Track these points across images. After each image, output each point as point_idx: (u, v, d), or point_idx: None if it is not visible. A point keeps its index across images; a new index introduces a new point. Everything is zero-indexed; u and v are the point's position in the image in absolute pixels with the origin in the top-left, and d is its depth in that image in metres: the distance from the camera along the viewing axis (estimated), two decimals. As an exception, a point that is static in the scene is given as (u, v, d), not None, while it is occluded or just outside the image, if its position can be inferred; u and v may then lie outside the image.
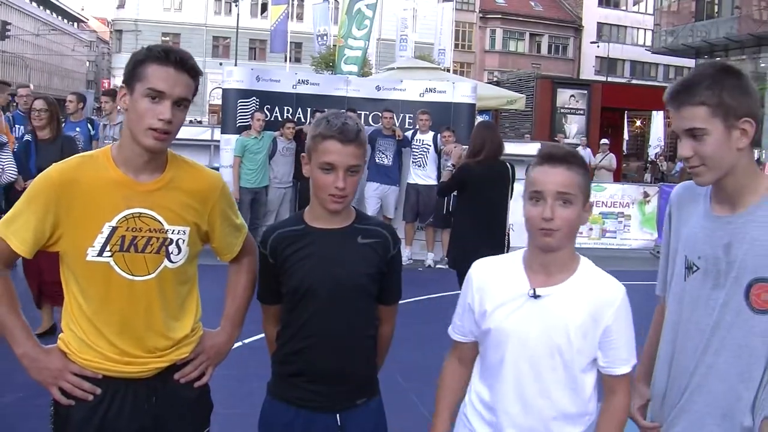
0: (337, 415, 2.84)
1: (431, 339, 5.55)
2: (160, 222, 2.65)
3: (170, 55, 2.54)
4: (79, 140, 9.89)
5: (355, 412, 2.87)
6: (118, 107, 8.29)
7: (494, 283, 2.66)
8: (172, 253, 2.67)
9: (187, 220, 2.71)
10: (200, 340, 2.87)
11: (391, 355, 3.14)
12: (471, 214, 7.02)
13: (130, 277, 2.61)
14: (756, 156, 14.74)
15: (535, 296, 2.55)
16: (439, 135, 12.16)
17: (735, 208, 2.44)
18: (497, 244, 6.90)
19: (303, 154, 2.85)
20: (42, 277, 6.86)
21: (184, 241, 2.70)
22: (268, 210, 12.20)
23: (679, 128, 2.43)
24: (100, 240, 2.57)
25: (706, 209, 2.53)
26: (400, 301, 3.07)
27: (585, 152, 22.83)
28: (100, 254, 2.58)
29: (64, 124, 8.98)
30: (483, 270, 2.74)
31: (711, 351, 2.45)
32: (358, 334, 2.87)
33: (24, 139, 7.77)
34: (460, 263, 6.91)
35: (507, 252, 6.45)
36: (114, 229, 2.58)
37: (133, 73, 2.57)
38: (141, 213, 2.62)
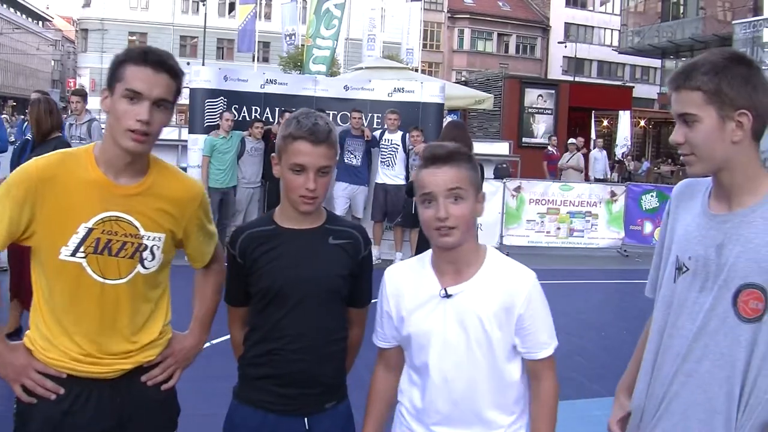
0: (305, 419, 2.80)
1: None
2: (136, 227, 2.62)
3: (148, 55, 2.51)
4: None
5: (323, 417, 2.83)
6: (99, 109, 8.17)
7: (407, 287, 2.69)
8: (146, 259, 2.65)
9: (163, 227, 2.68)
10: (168, 343, 2.84)
11: (360, 355, 3.11)
12: None
13: (102, 279, 2.58)
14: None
15: (447, 296, 2.59)
16: (407, 135, 12.15)
17: (732, 207, 2.30)
18: None
19: (273, 154, 2.82)
20: (23, 275, 6.77)
21: (158, 247, 2.68)
22: (237, 210, 12.15)
23: (675, 112, 2.32)
24: (74, 240, 2.54)
25: (703, 206, 2.39)
26: (371, 301, 3.04)
27: (601, 155, 22.93)
28: (73, 254, 2.54)
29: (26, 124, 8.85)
30: (395, 276, 2.76)
31: (693, 358, 2.31)
32: (329, 337, 2.84)
33: (25, 137, 7.62)
34: None
35: None
36: (90, 231, 2.55)
37: (113, 75, 2.54)
38: (118, 217, 2.59)
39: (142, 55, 2.52)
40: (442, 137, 7.30)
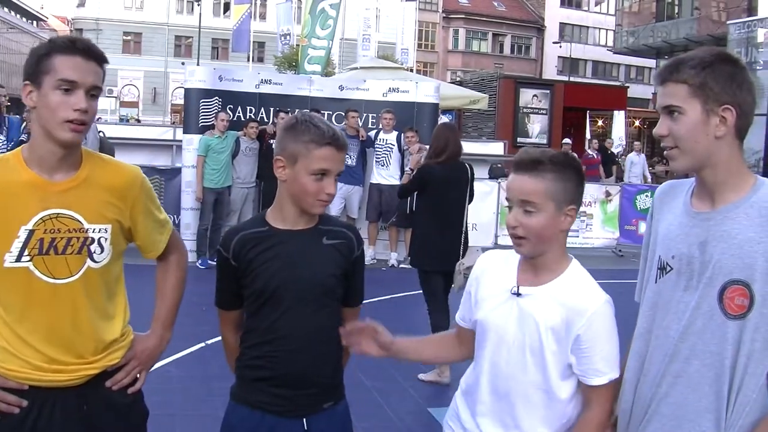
0: (304, 419, 2.80)
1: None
2: (79, 221, 2.55)
3: (76, 43, 2.48)
4: None
5: (321, 417, 2.83)
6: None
7: (489, 274, 2.71)
8: (94, 252, 2.58)
9: (107, 217, 2.62)
10: (131, 345, 2.79)
11: (356, 357, 3.12)
12: (432, 214, 7.06)
13: (52, 280, 2.52)
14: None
15: (518, 294, 2.58)
16: (402, 135, 12.15)
17: (715, 204, 2.29)
18: (457, 243, 6.99)
19: (278, 156, 2.80)
20: None
21: (106, 239, 2.61)
22: (231, 210, 12.12)
23: (660, 105, 2.34)
24: (17, 245, 2.47)
25: (686, 204, 2.38)
26: (364, 301, 3.06)
27: (639, 158, 21.97)
28: (18, 259, 2.48)
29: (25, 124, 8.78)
30: (485, 260, 2.78)
31: (680, 358, 2.29)
32: (325, 337, 2.83)
33: (20, 138, 7.51)
34: (421, 262, 7.06)
35: (464, 251, 6.82)
36: (31, 233, 2.48)
37: (37, 68, 2.48)
38: (59, 213, 2.52)
39: (70, 44, 2.48)
40: (434, 138, 7.35)
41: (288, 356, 2.78)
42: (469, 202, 7.23)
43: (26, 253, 2.49)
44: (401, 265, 12.33)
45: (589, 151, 20.97)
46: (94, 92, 2.51)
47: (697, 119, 2.25)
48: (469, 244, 7.18)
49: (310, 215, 2.81)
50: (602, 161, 20.42)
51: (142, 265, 2.98)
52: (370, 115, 13.13)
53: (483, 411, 2.64)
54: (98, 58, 2.53)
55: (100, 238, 2.60)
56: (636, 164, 21.34)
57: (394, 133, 12.41)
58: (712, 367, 2.23)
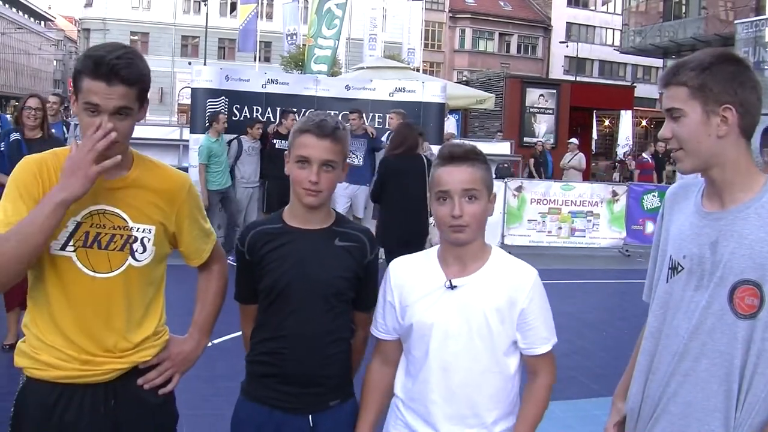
0: (310, 416, 2.81)
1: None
2: (124, 219, 2.61)
3: (100, 68, 2.44)
4: None
5: (328, 414, 2.84)
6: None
7: (411, 278, 2.75)
8: (136, 251, 2.63)
9: (152, 218, 2.67)
10: (166, 346, 2.81)
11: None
12: (393, 200, 7.81)
13: (92, 273, 2.57)
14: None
15: (452, 287, 2.64)
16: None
17: (725, 205, 2.32)
18: (418, 226, 7.77)
19: (285, 152, 2.89)
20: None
21: (149, 239, 2.66)
22: (237, 210, 12.14)
23: (663, 108, 2.40)
24: (64, 234, 2.53)
25: (696, 205, 2.41)
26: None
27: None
28: (63, 248, 2.54)
29: None
30: (400, 267, 2.82)
31: (690, 357, 2.31)
32: (332, 337, 2.84)
33: (12, 138, 7.52)
34: (386, 242, 7.50)
35: (428, 236, 7.81)
36: (78, 224, 2.55)
37: (75, 83, 2.54)
38: (105, 210, 2.59)
39: (94, 67, 2.45)
40: (394, 134, 8.38)
41: (294, 355, 2.79)
42: None
43: (71, 243, 2.55)
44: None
45: (645, 155, 20.82)
46: (122, 111, 2.50)
47: (697, 120, 2.29)
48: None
49: (311, 210, 2.82)
50: (655, 167, 20.26)
51: (181, 266, 3.00)
52: (377, 115, 13.14)
53: (436, 411, 2.66)
54: (125, 81, 2.48)
55: (143, 237, 2.65)
56: None
57: None
58: (721, 366, 2.25)
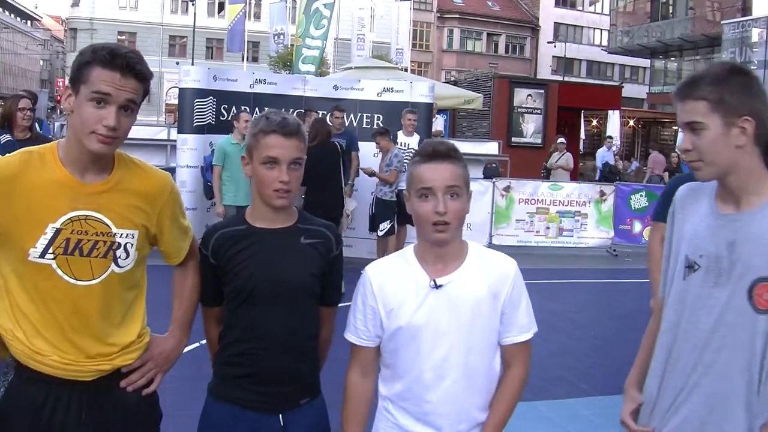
0: (280, 416, 2.82)
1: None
2: (107, 225, 2.55)
3: (116, 59, 2.43)
4: None
5: (298, 413, 2.85)
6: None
7: (392, 281, 2.73)
8: (119, 257, 2.58)
9: (135, 223, 2.62)
10: (148, 347, 2.78)
11: (336, 354, 3.12)
12: (313, 183, 8.65)
13: (74, 281, 2.51)
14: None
15: (437, 286, 2.64)
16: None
17: (740, 207, 2.46)
18: (335, 200, 10.45)
19: (243, 155, 2.87)
20: None
21: (132, 245, 2.61)
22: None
23: (681, 121, 2.48)
24: (42, 241, 2.47)
25: (711, 207, 2.54)
26: (347, 301, 3.00)
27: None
28: (42, 256, 2.47)
29: None
30: (378, 271, 2.79)
31: (711, 350, 2.44)
32: (303, 335, 2.87)
33: (5, 140, 7.46)
34: (311, 212, 8.35)
35: (344, 207, 10.77)
36: (58, 231, 2.48)
37: (78, 75, 2.47)
38: (87, 216, 2.52)
39: (110, 57, 2.43)
40: (309, 130, 9.37)
41: (266, 354, 2.80)
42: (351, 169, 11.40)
43: (51, 251, 2.48)
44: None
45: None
46: (128, 107, 2.49)
47: (718, 133, 2.40)
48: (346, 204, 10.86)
49: (277, 210, 2.82)
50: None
51: (161, 266, 2.98)
52: (365, 115, 13.10)
53: (430, 410, 2.66)
54: (138, 76, 2.48)
55: (126, 243, 2.60)
56: None
57: (416, 137, 11.95)
58: (742, 357, 2.39)
